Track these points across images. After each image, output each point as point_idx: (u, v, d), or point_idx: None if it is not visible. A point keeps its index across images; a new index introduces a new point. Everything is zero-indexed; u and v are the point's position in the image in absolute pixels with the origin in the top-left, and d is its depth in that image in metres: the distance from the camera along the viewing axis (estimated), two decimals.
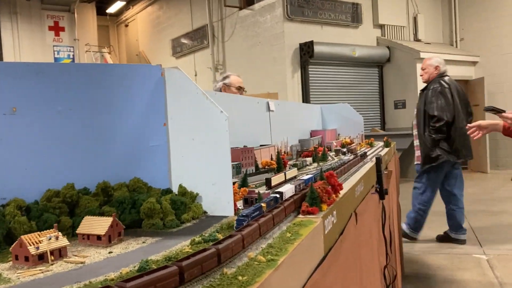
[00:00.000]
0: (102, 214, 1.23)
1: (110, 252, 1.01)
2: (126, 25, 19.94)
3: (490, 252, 5.13)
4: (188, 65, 14.31)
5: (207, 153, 1.37)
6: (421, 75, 5.74)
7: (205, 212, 1.38)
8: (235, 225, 1.08)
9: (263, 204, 1.19)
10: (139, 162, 1.40)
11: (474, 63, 12.94)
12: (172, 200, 1.26)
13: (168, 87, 1.41)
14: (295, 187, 1.48)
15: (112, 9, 18.54)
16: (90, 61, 15.72)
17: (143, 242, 1.10)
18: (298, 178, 1.65)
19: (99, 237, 1.08)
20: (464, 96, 5.54)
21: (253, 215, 1.10)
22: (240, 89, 4.46)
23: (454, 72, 12.53)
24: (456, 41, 13.51)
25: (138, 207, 1.24)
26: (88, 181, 1.33)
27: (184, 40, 15.02)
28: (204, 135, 1.37)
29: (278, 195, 1.34)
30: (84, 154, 1.37)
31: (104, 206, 1.27)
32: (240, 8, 12.21)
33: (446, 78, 5.51)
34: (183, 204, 1.27)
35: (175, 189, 1.39)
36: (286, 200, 1.32)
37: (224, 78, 4.58)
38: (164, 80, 1.41)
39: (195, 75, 13.81)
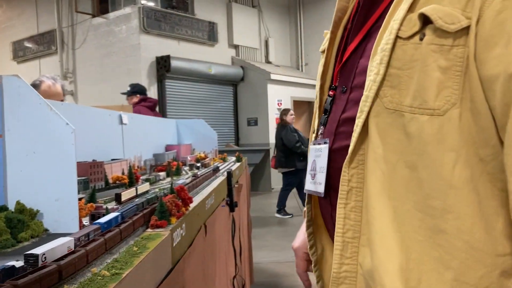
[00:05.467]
0: None
1: None
2: None
3: None
4: (33, 71, 13.05)
5: (50, 167, 1.30)
6: None
7: (47, 230, 1.30)
8: None
9: None
10: None
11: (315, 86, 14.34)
12: (7, 218, 1.17)
13: (5, 96, 1.30)
14: (76, 239, 0.94)
15: None
16: None
17: None
18: (95, 221, 1.16)
19: None
20: None
21: None
22: None
23: (300, 94, 13.75)
24: (301, 66, 14.84)
25: None
26: None
27: (28, 44, 13.70)
28: (47, 149, 1.30)
29: (18, 265, 0.75)
30: None
31: None
32: (93, 16, 11.65)
33: None
34: (21, 222, 1.18)
35: (11, 206, 1.28)
36: (135, 214, 1.31)
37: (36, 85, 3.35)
38: (2, 89, 1.30)
39: None
